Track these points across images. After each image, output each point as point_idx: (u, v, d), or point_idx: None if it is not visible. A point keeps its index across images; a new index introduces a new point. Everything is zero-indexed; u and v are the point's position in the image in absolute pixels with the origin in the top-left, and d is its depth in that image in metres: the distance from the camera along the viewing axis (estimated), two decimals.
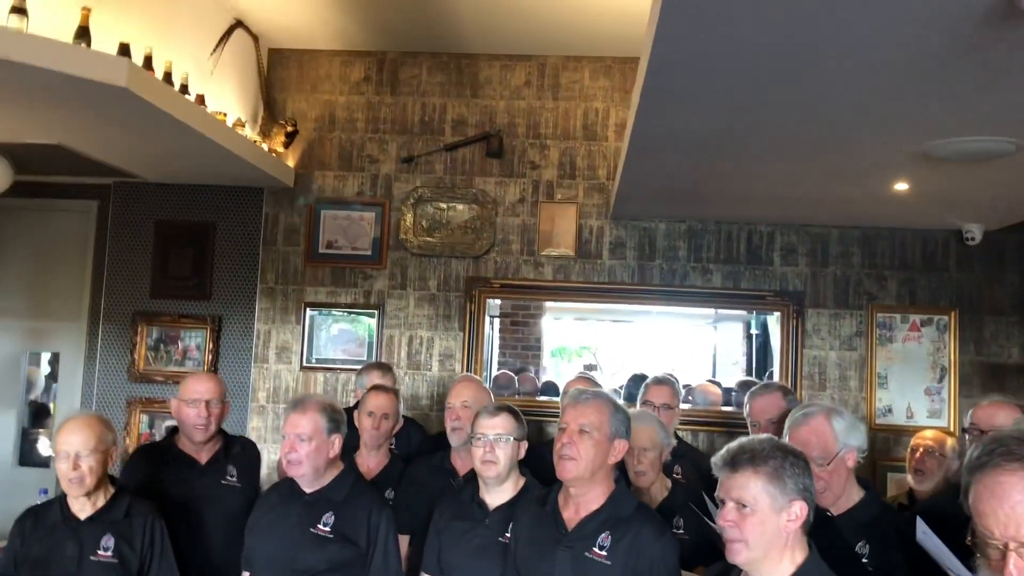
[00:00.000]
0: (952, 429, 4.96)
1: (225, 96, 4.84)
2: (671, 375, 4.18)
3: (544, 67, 5.44)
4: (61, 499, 3.00)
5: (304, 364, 5.42)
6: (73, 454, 2.87)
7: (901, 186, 4.09)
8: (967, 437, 3.10)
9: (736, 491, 2.03)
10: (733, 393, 6.77)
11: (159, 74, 3.85)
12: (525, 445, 2.97)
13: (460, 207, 5.43)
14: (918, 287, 5.28)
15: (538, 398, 6.48)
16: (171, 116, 3.80)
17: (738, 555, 2.04)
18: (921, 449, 3.79)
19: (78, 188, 5.52)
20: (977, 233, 4.96)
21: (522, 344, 8.20)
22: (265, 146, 5.09)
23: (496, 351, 7.51)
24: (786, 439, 2.59)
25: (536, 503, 2.71)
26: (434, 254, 5.44)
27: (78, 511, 2.96)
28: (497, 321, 7.50)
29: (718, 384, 6.83)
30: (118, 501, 3.02)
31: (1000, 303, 5.20)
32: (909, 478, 3.85)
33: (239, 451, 3.58)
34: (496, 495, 2.93)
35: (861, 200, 4.54)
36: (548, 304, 8.15)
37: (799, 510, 2.03)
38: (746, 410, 3.46)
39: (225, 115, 4.56)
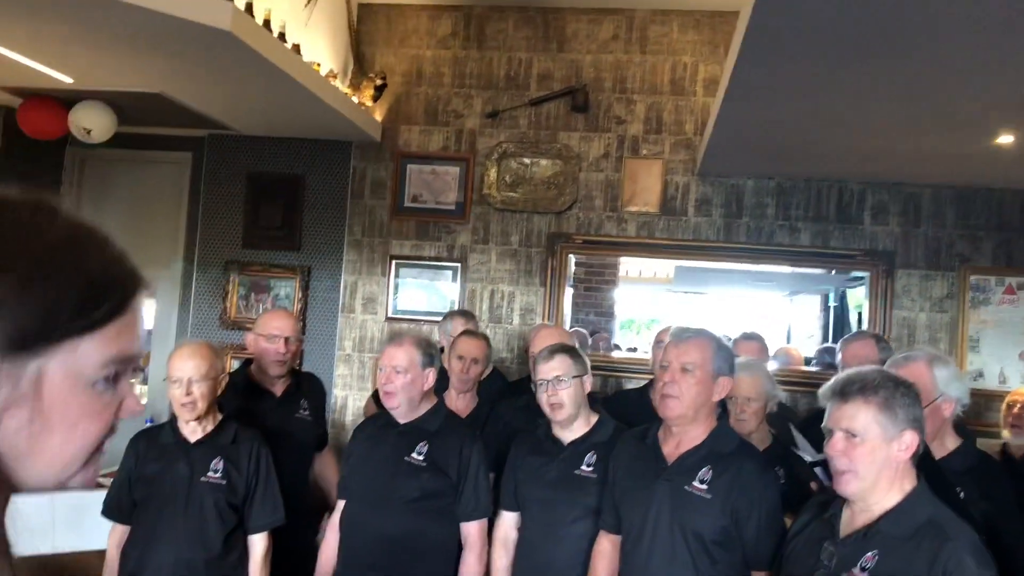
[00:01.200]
0: None
1: (318, 48, 4.92)
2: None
3: (632, 21, 5.38)
4: (172, 423, 3.13)
5: (389, 315, 5.52)
6: (186, 380, 2.99)
7: (1006, 139, 3.95)
8: None
9: (846, 421, 2.02)
10: (813, 360, 6.69)
11: (259, 21, 3.93)
12: (589, 380, 3.00)
13: (544, 162, 5.44)
14: (1015, 249, 5.11)
15: (613, 354, 6.51)
16: (271, 63, 3.88)
17: (848, 485, 2.03)
18: (1019, 404, 3.71)
19: (173, 140, 5.68)
20: None
21: (595, 310, 8.22)
22: (355, 99, 5.17)
23: (570, 312, 7.56)
24: None
25: (636, 437, 2.73)
26: (517, 209, 5.46)
27: (188, 435, 3.09)
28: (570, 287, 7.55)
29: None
30: (226, 427, 3.14)
31: None
32: (1005, 433, 3.78)
33: (309, 386, 3.71)
34: (569, 432, 2.97)
35: (959, 156, 4.40)
36: (622, 272, 8.15)
37: (910, 440, 2.02)
38: (838, 357, 3.44)
39: (319, 66, 4.63)
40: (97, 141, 4.93)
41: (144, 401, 5.72)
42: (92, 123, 4.82)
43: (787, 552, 2.23)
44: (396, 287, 5.54)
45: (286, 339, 3.52)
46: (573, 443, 2.94)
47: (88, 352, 0.78)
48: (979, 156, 4.33)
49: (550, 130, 5.46)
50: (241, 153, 5.59)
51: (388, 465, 3.03)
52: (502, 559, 3.00)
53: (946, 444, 2.61)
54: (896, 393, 2.03)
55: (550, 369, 2.93)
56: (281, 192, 5.54)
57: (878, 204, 5.22)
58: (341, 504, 3.15)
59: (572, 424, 2.96)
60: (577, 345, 3.40)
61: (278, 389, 3.60)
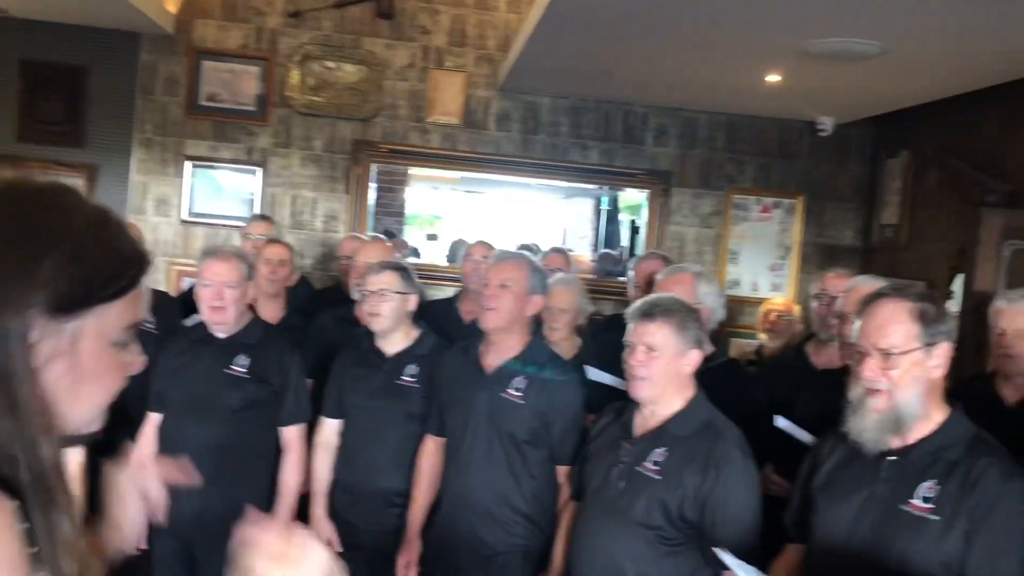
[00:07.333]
0: (793, 299, 5.57)
1: None
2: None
3: None
4: None
5: (184, 218, 5.37)
6: None
7: (774, 77, 4.46)
8: (815, 303, 3.57)
9: (648, 336, 2.36)
10: (594, 263, 7.25)
11: None
12: (414, 299, 3.18)
13: (348, 67, 5.41)
14: (772, 172, 5.77)
15: (411, 259, 6.69)
16: None
17: (642, 391, 2.39)
18: (775, 313, 4.33)
19: None
20: (829, 125, 5.43)
21: (387, 209, 8.33)
22: None
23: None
24: (656, 288, 2.96)
25: (460, 351, 2.97)
26: (320, 114, 5.43)
27: None
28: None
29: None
30: None
31: (842, 190, 5.77)
32: (762, 336, 4.40)
33: (157, 302, 3.64)
34: (391, 344, 3.16)
35: (733, 88, 4.89)
36: (412, 170, 8.25)
37: (694, 357, 2.40)
38: (630, 274, 3.84)
39: None
40: None
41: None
42: None
43: (589, 450, 2.59)
44: (192, 189, 5.38)
45: None
46: (395, 355, 3.14)
47: (113, 316, 0.93)
48: (750, 90, 4.85)
49: (355, 35, 5.42)
50: (13, 38, 5.10)
51: (209, 377, 3.08)
52: (323, 461, 3.17)
53: (703, 349, 3.04)
54: (688, 318, 2.40)
55: (376, 282, 3.08)
56: (61, 84, 5.16)
57: (659, 127, 5.67)
58: (155, 417, 3.17)
59: (391, 336, 3.14)
60: (401, 256, 3.56)
61: None
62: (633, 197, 8.17)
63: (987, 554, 1.82)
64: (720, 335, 5.48)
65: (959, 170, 4.66)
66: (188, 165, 5.35)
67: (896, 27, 3.46)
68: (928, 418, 1.92)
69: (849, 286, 3.15)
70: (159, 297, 3.72)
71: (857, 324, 1.98)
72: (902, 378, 1.88)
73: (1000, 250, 3.94)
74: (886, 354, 1.88)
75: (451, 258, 7.11)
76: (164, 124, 5.34)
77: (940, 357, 1.90)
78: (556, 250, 4.50)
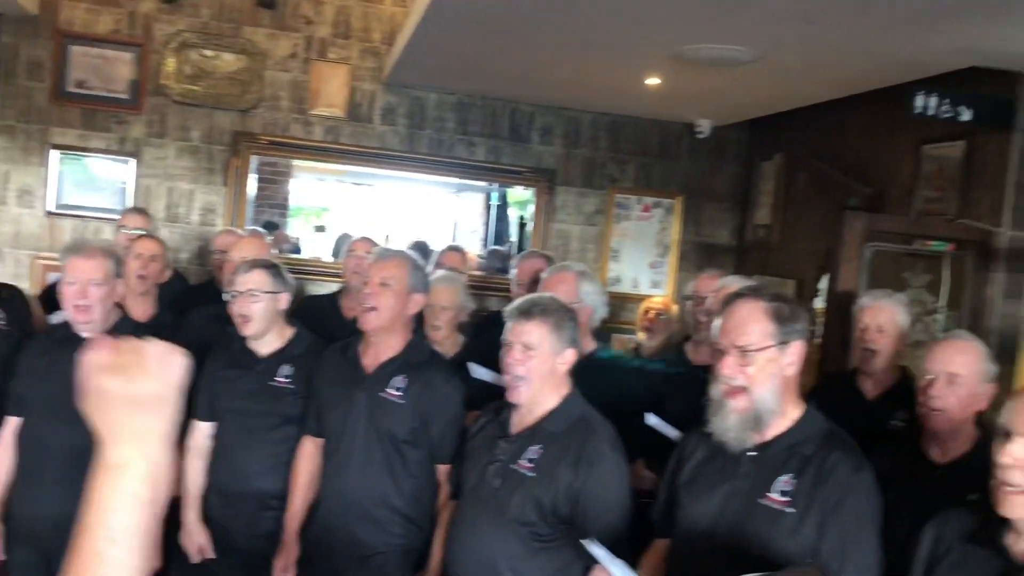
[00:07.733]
0: (671, 298, 5.72)
1: None
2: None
3: None
4: None
5: (50, 210, 5.10)
6: None
7: (653, 80, 4.57)
8: (688, 303, 3.67)
9: (525, 335, 2.38)
10: (482, 259, 7.27)
11: None
12: (285, 298, 3.07)
13: (227, 56, 5.25)
14: (652, 172, 5.90)
15: (293, 255, 6.54)
16: None
17: (521, 395, 2.41)
18: (653, 312, 4.44)
19: None
20: (706, 128, 5.61)
21: (269, 202, 8.14)
22: None
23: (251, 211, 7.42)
24: (541, 286, 3.00)
25: (338, 351, 2.93)
26: (197, 104, 5.25)
27: None
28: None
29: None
30: None
31: (718, 191, 5.96)
32: (640, 335, 4.50)
33: (7, 296, 3.44)
34: (264, 345, 3.06)
35: (615, 89, 4.99)
36: (296, 163, 8.09)
37: (569, 356, 2.44)
38: (513, 272, 3.87)
39: None
40: None
41: None
42: None
43: (468, 448, 2.59)
44: (60, 179, 5.12)
45: None
46: (269, 356, 3.05)
47: None
48: (631, 92, 4.95)
49: (234, 23, 5.26)
50: None
51: (73, 379, 2.93)
52: (196, 466, 3.07)
53: (587, 346, 3.08)
54: (564, 317, 2.43)
55: (244, 282, 2.98)
56: None
57: (545, 126, 5.72)
58: (14, 421, 3.01)
59: (264, 337, 3.05)
60: (281, 251, 3.45)
61: None
62: (522, 193, 8.25)
63: (838, 542, 1.92)
64: (601, 331, 5.63)
65: (826, 173, 4.89)
66: (55, 154, 5.09)
67: (768, 35, 3.60)
68: (784, 415, 2.01)
69: (718, 286, 3.28)
70: (10, 292, 3.52)
71: (717, 323, 2.05)
72: (758, 375, 1.96)
73: (862, 251, 4.14)
74: (743, 351, 1.96)
75: (336, 253, 7.00)
76: (28, 110, 5.06)
77: (794, 355, 1.99)
78: (452, 248, 4.52)
